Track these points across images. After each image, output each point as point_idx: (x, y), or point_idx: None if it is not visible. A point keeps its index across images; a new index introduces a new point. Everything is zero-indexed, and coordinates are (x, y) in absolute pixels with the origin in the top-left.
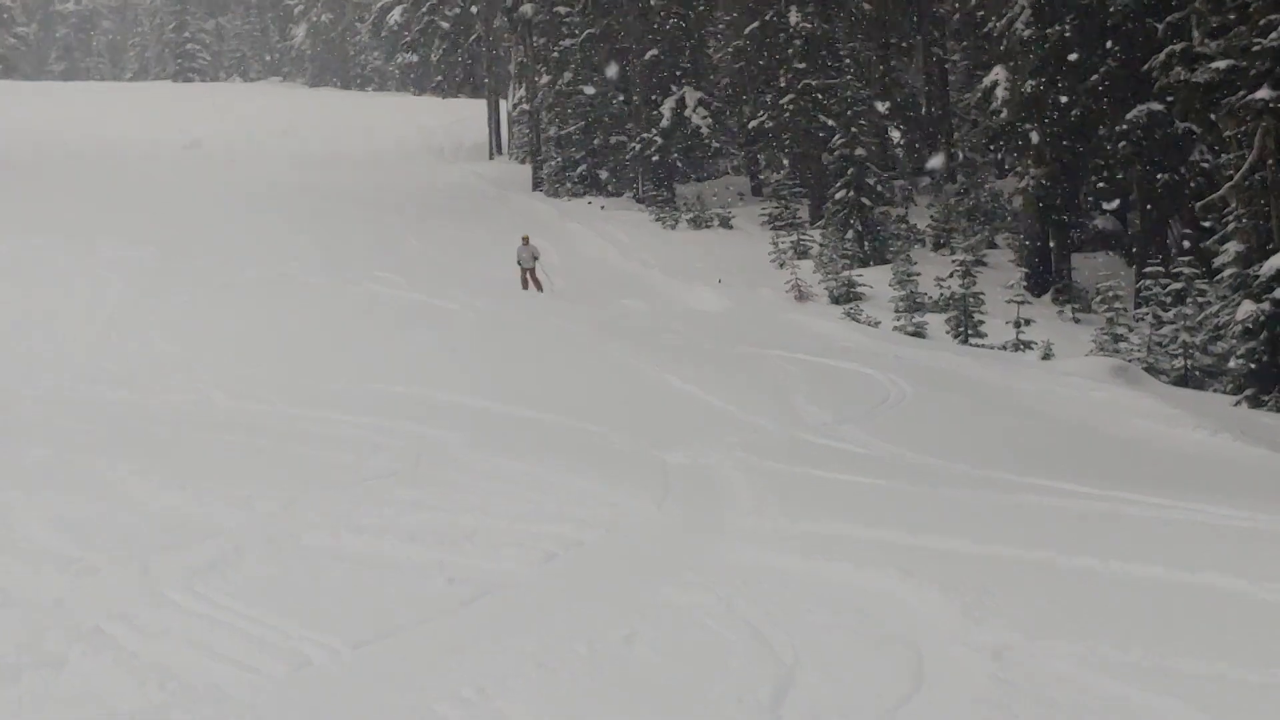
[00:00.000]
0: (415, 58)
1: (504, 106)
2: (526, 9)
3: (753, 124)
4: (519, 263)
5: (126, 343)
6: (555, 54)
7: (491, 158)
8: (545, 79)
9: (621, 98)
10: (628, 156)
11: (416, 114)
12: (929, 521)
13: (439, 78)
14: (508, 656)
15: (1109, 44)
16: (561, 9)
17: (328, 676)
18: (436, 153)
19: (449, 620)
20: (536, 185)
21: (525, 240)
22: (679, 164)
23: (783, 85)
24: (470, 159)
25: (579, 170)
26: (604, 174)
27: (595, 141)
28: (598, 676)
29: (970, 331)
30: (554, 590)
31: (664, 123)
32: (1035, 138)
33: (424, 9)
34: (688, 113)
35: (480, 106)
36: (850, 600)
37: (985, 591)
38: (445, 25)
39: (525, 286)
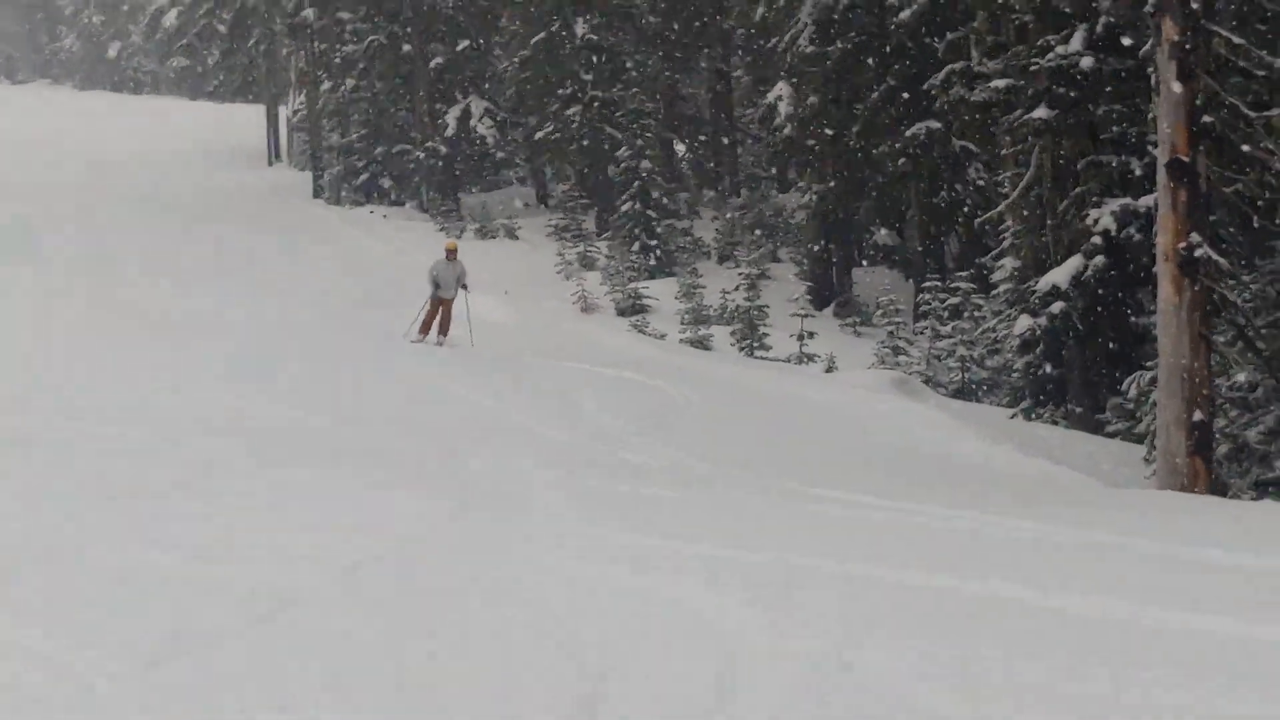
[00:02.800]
0: (189, 62)
1: (283, 113)
2: (308, 14)
3: (539, 135)
4: (434, 287)
5: None
6: (337, 60)
7: (271, 164)
8: (326, 85)
9: (405, 106)
10: (411, 165)
11: (191, 119)
12: (729, 532)
13: (216, 82)
14: (309, 675)
15: (890, 62)
16: (344, 14)
17: (115, 701)
18: (213, 159)
19: (245, 638)
20: (317, 193)
21: (451, 253)
22: (464, 174)
23: (569, 96)
24: (249, 166)
25: (361, 179)
26: (387, 183)
27: (378, 150)
28: (404, 693)
29: (755, 344)
30: (354, 604)
31: (449, 132)
32: (817, 153)
33: (200, 12)
34: (473, 122)
35: (259, 112)
36: (657, 611)
37: (790, 600)
38: (222, 29)
39: (426, 330)
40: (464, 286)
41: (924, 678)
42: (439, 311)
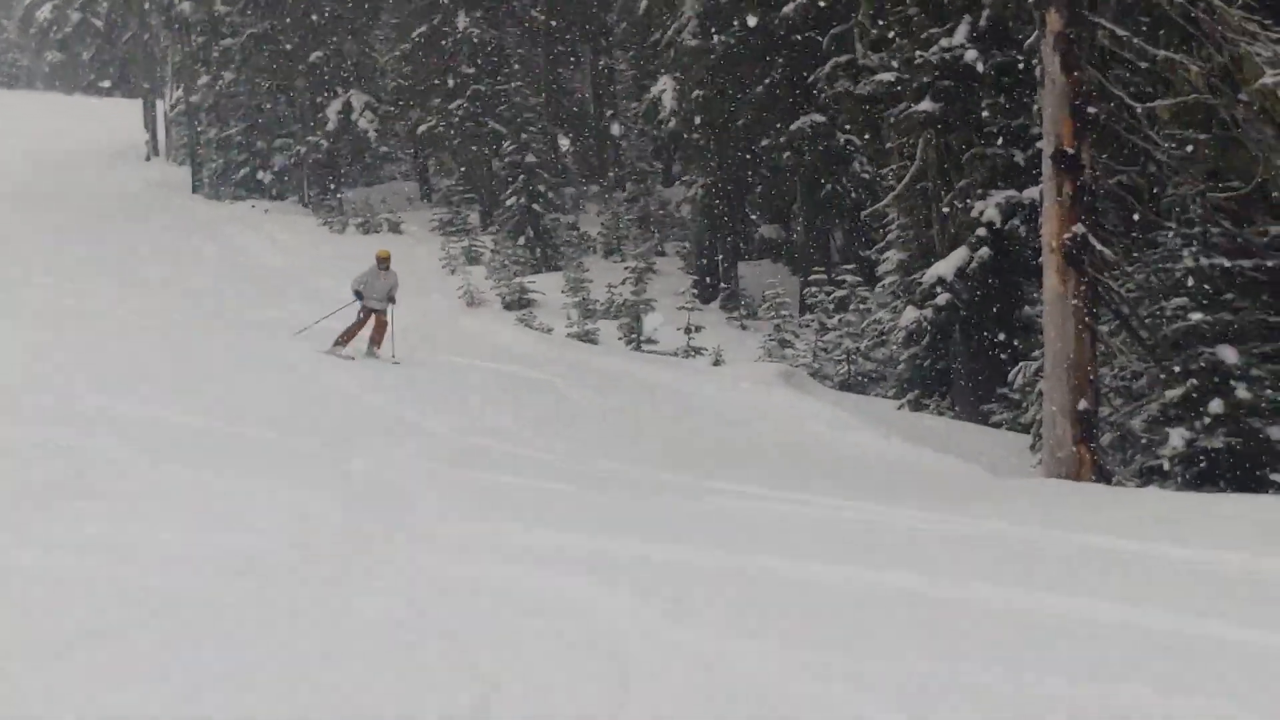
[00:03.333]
0: (65, 56)
1: (161, 107)
2: (185, 7)
3: (421, 129)
4: (360, 297)
5: None
6: (215, 54)
7: (149, 159)
8: (205, 79)
9: (285, 100)
10: (292, 160)
11: (67, 114)
12: (619, 526)
13: (92, 76)
14: (193, 676)
15: (775, 55)
16: (222, 8)
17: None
18: (90, 155)
19: (127, 640)
20: (197, 188)
21: (383, 261)
22: (346, 168)
23: (451, 90)
24: (126, 161)
25: (241, 174)
26: (267, 177)
27: (258, 144)
28: (293, 694)
29: (642, 338)
30: (239, 604)
31: (329, 126)
32: (702, 147)
33: (76, 5)
34: (355, 116)
35: (136, 107)
36: (548, 607)
37: (683, 595)
38: (98, 23)
39: (346, 340)
40: (392, 300)
41: (816, 673)
42: (366, 322)
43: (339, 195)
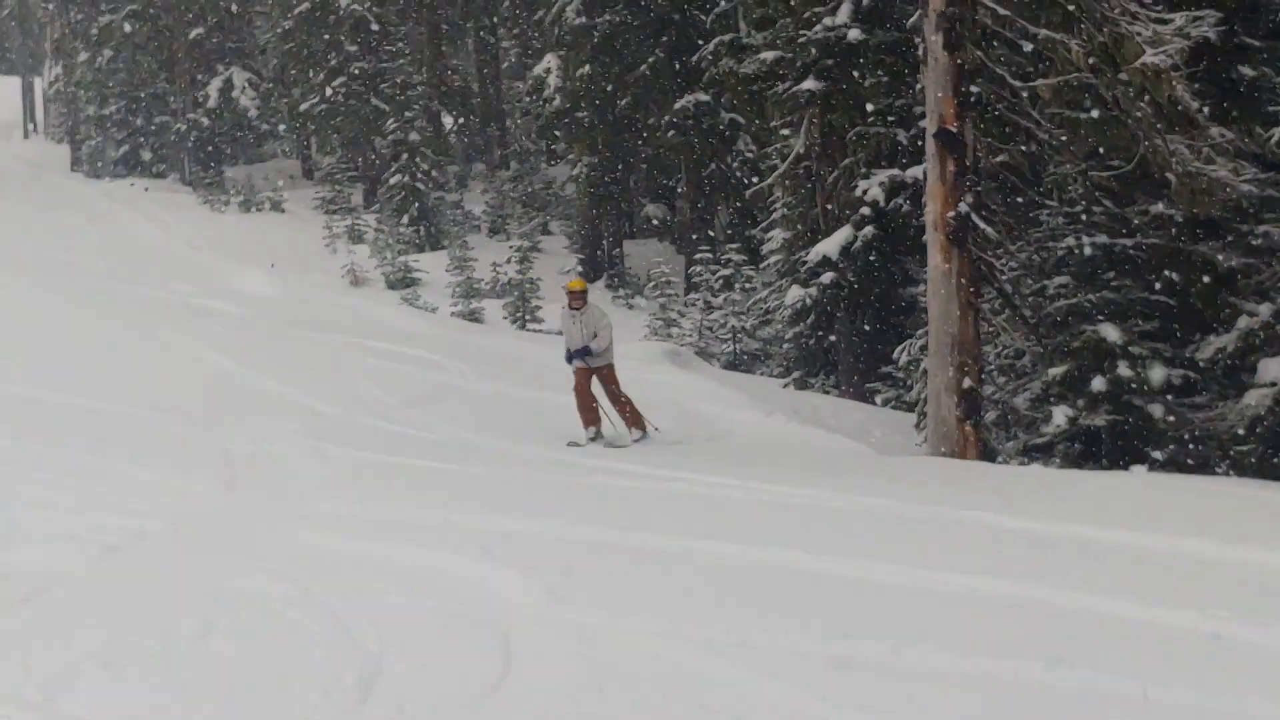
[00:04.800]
0: None
1: (39, 84)
2: None
3: (303, 106)
4: (573, 357)
5: None
6: (95, 31)
7: (26, 137)
8: (84, 56)
9: (165, 77)
10: (173, 138)
11: None
12: (505, 504)
13: None
14: (73, 655)
15: (659, 34)
16: None
17: None
18: None
19: (5, 620)
20: (75, 165)
21: (574, 296)
22: (227, 146)
23: (333, 68)
24: (2, 138)
25: (121, 151)
26: (147, 155)
27: (138, 122)
28: (173, 672)
29: (528, 317)
30: (118, 585)
31: (210, 103)
32: (586, 126)
33: None
34: (235, 94)
35: (14, 84)
36: (431, 584)
37: (567, 572)
38: None
39: (595, 420)
40: (604, 342)
41: (699, 646)
42: (588, 389)
43: (220, 173)
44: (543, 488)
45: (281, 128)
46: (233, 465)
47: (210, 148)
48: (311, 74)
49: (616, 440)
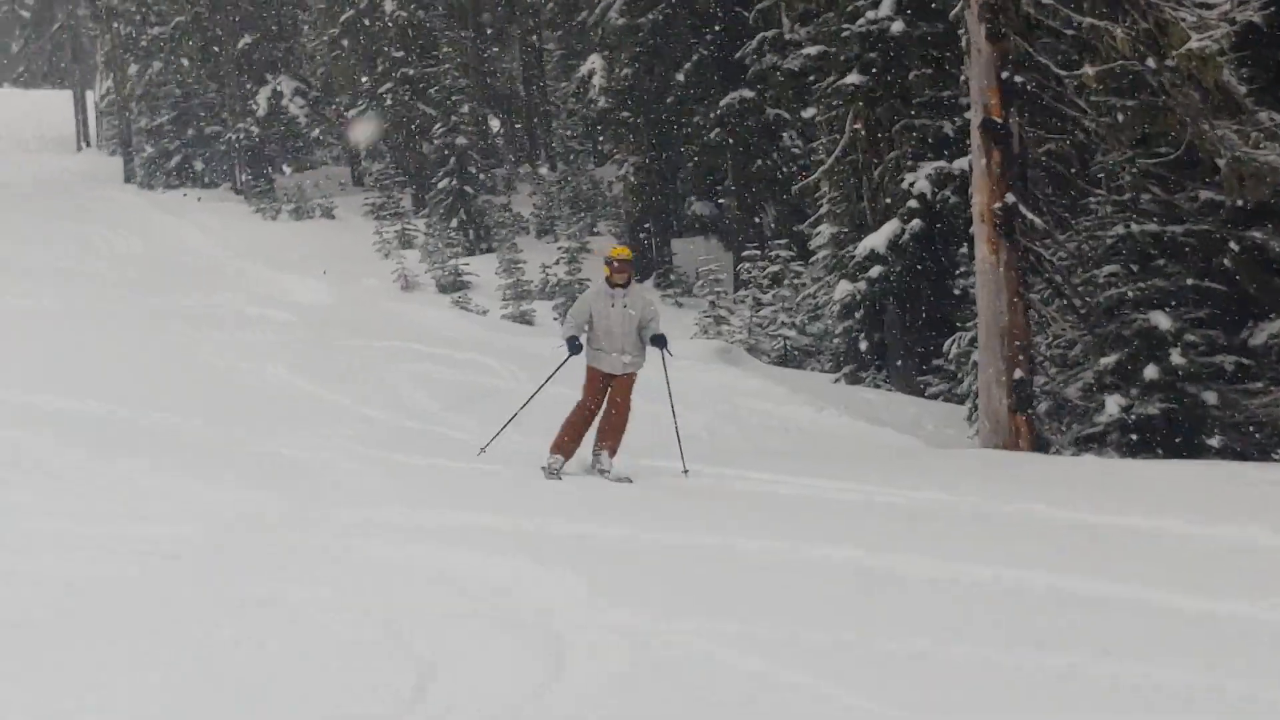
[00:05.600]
0: None
1: (91, 97)
2: None
3: (352, 113)
4: (574, 348)
5: None
6: (143, 43)
7: (80, 150)
8: (134, 68)
9: (215, 87)
10: (223, 147)
11: None
12: (552, 507)
13: (21, 68)
14: (120, 666)
15: (702, 32)
16: None
17: None
18: (20, 146)
19: (50, 629)
20: (129, 178)
21: (622, 267)
22: (277, 154)
23: (380, 74)
24: (58, 152)
25: (173, 162)
26: (199, 165)
27: (189, 132)
28: (225, 683)
29: None
30: (166, 595)
31: (260, 112)
32: (631, 125)
33: None
34: (285, 102)
35: (66, 98)
36: (481, 589)
37: (615, 574)
38: (25, 14)
39: (565, 445)
40: (657, 343)
41: (749, 644)
42: (595, 398)
43: (271, 181)
44: (594, 489)
45: (330, 135)
46: (280, 473)
47: (261, 156)
48: (358, 80)
49: (599, 466)
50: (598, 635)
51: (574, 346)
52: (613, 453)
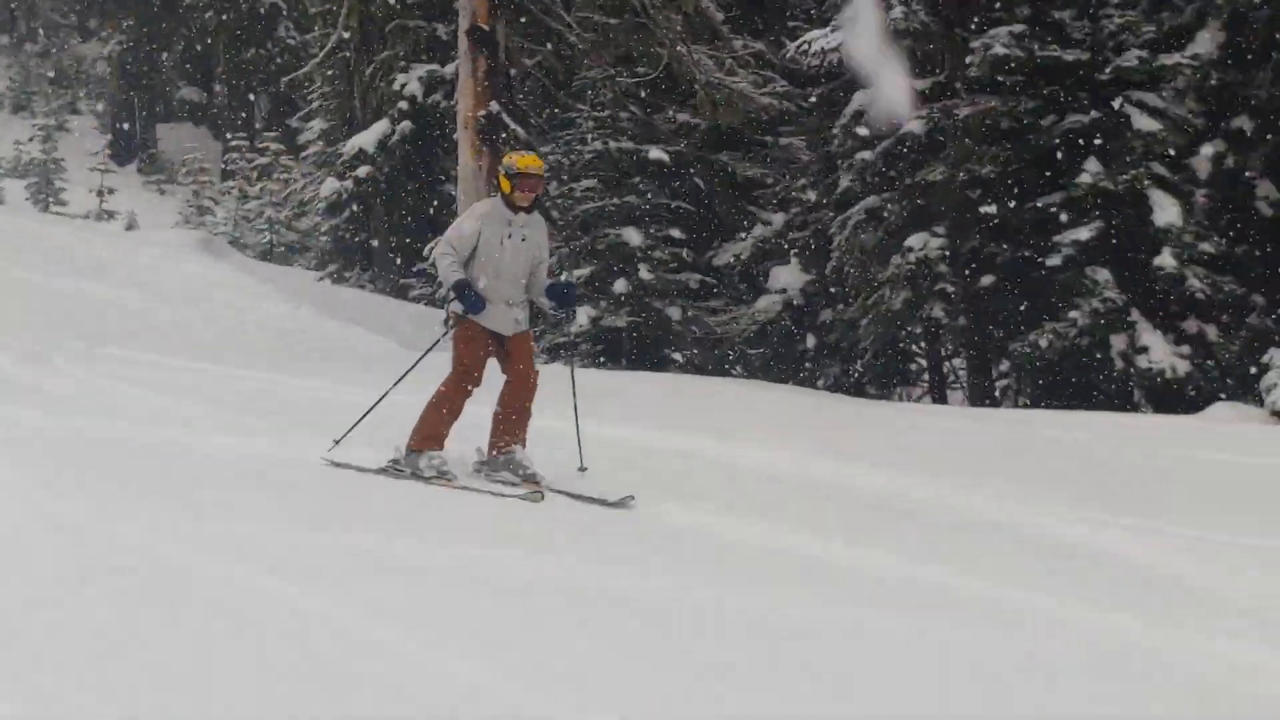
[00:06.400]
0: None
1: None
2: None
3: None
4: (467, 299)
5: None
6: None
7: None
8: None
9: None
10: None
11: None
12: None
13: None
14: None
15: None
16: None
17: None
18: None
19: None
20: None
21: (533, 183)
22: None
23: None
24: None
25: None
26: None
27: None
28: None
29: (52, 199)
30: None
31: None
32: (116, 1)
33: None
34: None
35: None
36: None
37: (59, 469)
38: None
39: (454, 417)
40: (558, 297)
41: (178, 540)
42: (478, 368)
43: None
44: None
45: None
46: None
47: None
48: None
49: (522, 466)
50: (37, 530)
51: (471, 298)
52: (521, 435)
